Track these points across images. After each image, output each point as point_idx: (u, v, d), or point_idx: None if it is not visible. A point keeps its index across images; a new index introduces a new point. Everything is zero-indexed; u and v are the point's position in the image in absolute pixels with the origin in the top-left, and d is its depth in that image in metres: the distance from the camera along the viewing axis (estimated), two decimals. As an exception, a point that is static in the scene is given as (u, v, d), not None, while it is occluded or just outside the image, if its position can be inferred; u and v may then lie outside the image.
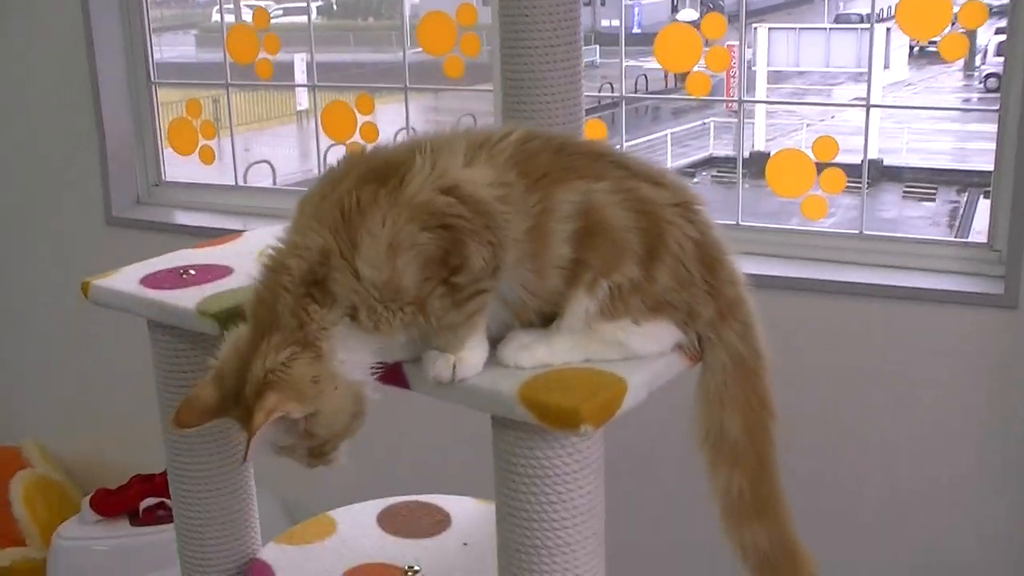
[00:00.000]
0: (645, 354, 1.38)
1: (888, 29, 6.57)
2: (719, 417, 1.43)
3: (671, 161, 15.18)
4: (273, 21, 3.44)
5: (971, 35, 9.25)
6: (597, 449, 1.38)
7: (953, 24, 2.54)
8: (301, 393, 1.28)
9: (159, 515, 3.22)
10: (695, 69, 2.81)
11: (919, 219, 13.69)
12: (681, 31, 2.78)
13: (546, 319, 1.39)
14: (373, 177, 1.32)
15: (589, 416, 1.26)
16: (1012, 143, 2.45)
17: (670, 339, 1.40)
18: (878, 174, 14.38)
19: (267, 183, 11.88)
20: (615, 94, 2.98)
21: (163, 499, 3.16)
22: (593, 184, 1.34)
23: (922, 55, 15.50)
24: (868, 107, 2.78)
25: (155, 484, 3.25)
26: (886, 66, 14.80)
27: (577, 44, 1.82)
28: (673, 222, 1.36)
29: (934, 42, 2.59)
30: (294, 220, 1.37)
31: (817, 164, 2.73)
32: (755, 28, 15.31)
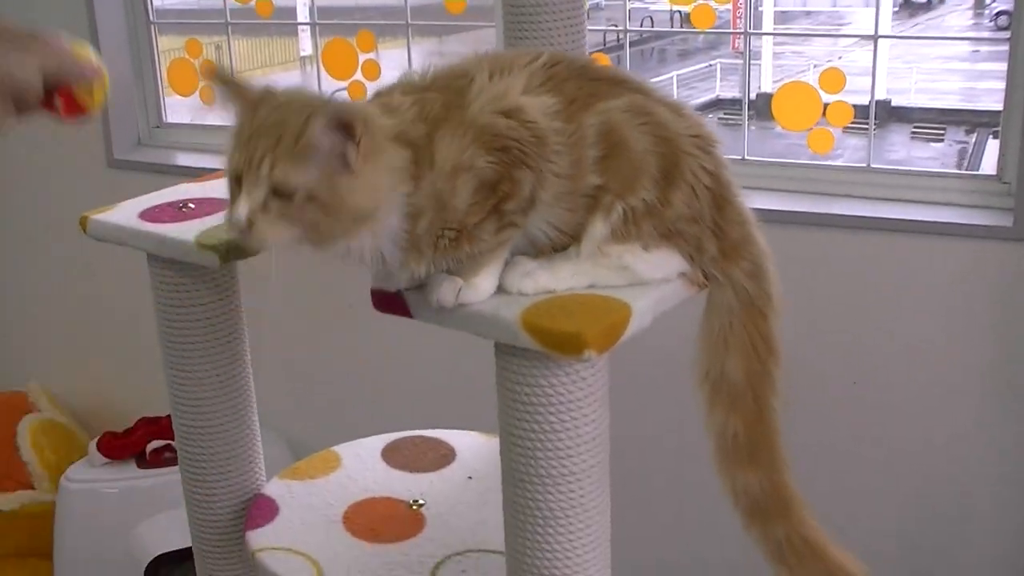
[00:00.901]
0: (650, 280, 1.36)
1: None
2: (721, 359, 1.42)
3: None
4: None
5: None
6: (602, 376, 1.36)
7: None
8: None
9: (166, 457, 3.22)
10: (700, 1, 2.77)
11: (927, 159, 13.60)
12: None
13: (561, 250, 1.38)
14: (444, 91, 1.30)
15: (593, 341, 1.25)
16: (1022, 77, 2.41)
17: (676, 268, 1.38)
18: (886, 114, 14.27)
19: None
20: (619, 31, 2.93)
21: (169, 441, 3.16)
22: (612, 102, 1.33)
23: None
24: (876, 38, 2.74)
25: (161, 426, 3.25)
26: (894, 6, 14.67)
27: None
28: (690, 152, 1.34)
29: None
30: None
31: (824, 98, 2.70)
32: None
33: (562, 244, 1.37)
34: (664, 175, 1.32)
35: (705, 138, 1.37)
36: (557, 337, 1.26)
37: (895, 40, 16.99)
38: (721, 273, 1.39)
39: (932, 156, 13.73)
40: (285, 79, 15.58)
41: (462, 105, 1.28)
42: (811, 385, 2.60)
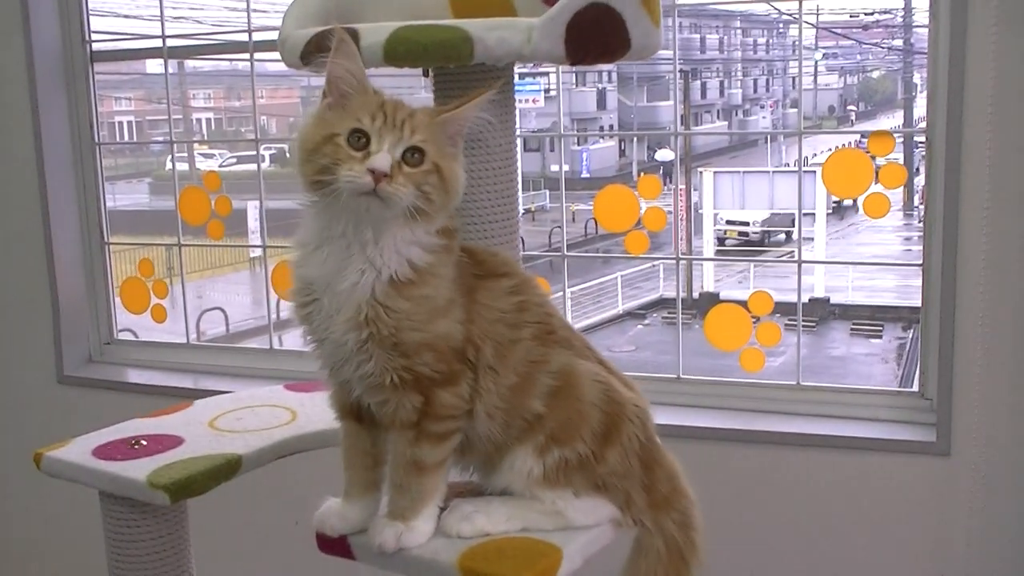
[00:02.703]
0: (581, 526, 1.45)
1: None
2: None
3: (622, 303, 15.40)
4: (225, 169, 3.51)
5: (909, 175, 9.60)
6: (537, 614, 1.42)
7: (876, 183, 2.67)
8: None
9: None
10: (633, 228, 2.92)
11: (867, 356, 13.90)
12: (619, 193, 2.89)
13: (484, 468, 1.47)
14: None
15: (527, 585, 1.31)
16: (936, 295, 2.55)
17: (606, 514, 1.47)
18: (825, 312, 14.66)
19: (220, 330, 11.93)
20: (556, 252, 3.06)
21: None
22: (581, 361, 1.47)
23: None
24: (800, 263, 2.89)
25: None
26: (829, 208, 15.22)
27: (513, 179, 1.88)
28: (631, 419, 1.47)
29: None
30: None
31: (754, 317, 2.83)
32: (700, 172, 15.73)
33: (487, 460, 1.45)
34: (604, 432, 1.44)
35: (644, 410, 1.50)
36: (493, 581, 1.32)
37: (831, 238, 17.58)
38: (652, 522, 1.49)
39: (872, 352, 14.02)
40: (234, 279, 15.76)
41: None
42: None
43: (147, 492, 1.68)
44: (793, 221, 17.82)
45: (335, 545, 1.45)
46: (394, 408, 1.39)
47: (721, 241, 18.81)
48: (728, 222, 17.94)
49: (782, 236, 17.99)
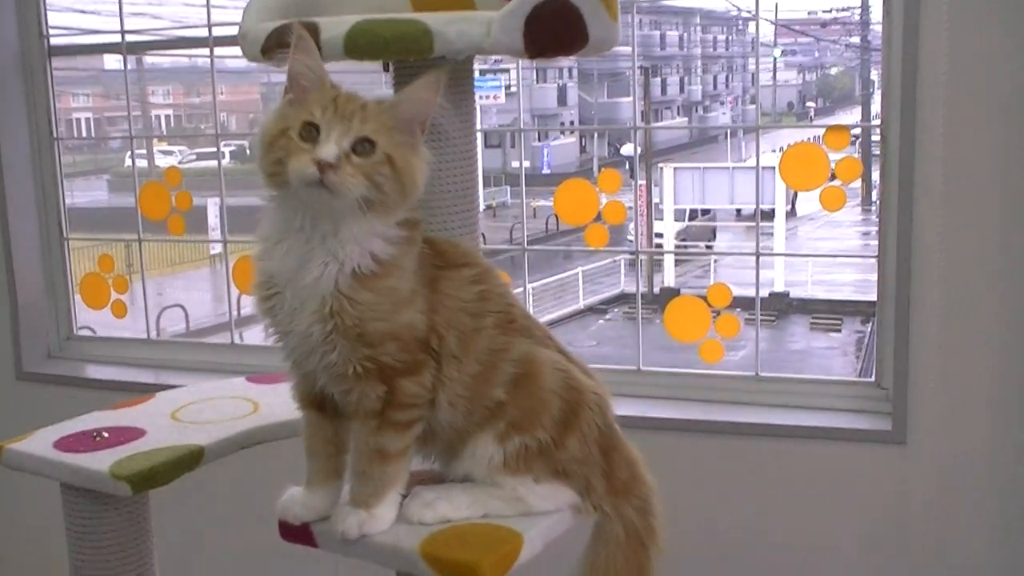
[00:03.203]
0: (541, 511, 1.47)
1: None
2: None
3: (583, 298, 15.44)
4: (185, 166, 3.50)
5: (867, 170, 9.67)
6: (499, 599, 1.44)
7: (832, 178, 2.71)
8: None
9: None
10: (593, 222, 2.94)
11: (827, 349, 14.03)
12: (579, 187, 2.92)
13: (446, 455, 1.50)
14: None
15: (488, 570, 1.34)
16: (892, 285, 2.59)
17: (566, 500, 1.49)
18: (785, 307, 14.78)
19: (180, 328, 11.87)
20: (516, 245, 3.08)
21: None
22: (542, 349, 1.49)
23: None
24: (758, 255, 2.93)
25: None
26: (788, 203, 15.34)
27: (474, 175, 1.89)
28: (590, 407, 1.49)
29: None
30: None
31: (713, 308, 2.86)
32: (661, 168, 15.81)
33: (450, 443, 1.47)
34: (564, 419, 1.46)
35: (603, 398, 1.52)
36: (455, 567, 1.34)
37: (790, 233, 17.70)
38: (611, 508, 1.51)
39: (832, 346, 14.15)
40: (195, 276, 15.67)
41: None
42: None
43: (109, 483, 1.68)
44: (714, 231, 18.05)
45: (297, 533, 1.46)
46: (358, 397, 1.40)
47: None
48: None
49: (700, 246, 18.05)
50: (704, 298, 2.89)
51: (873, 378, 2.73)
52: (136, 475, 1.67)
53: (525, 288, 3.20)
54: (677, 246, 16.28)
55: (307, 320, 1.38)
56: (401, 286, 1.39)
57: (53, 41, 3.52)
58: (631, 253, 3.07)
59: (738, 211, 18.19)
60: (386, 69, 1.81)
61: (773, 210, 14.41)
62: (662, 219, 15.09)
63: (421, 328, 1.40)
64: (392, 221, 1.40)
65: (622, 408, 1.59)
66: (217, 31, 3.23)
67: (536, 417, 1.44)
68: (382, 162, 1.36)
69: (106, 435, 1.84)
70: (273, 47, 1.64)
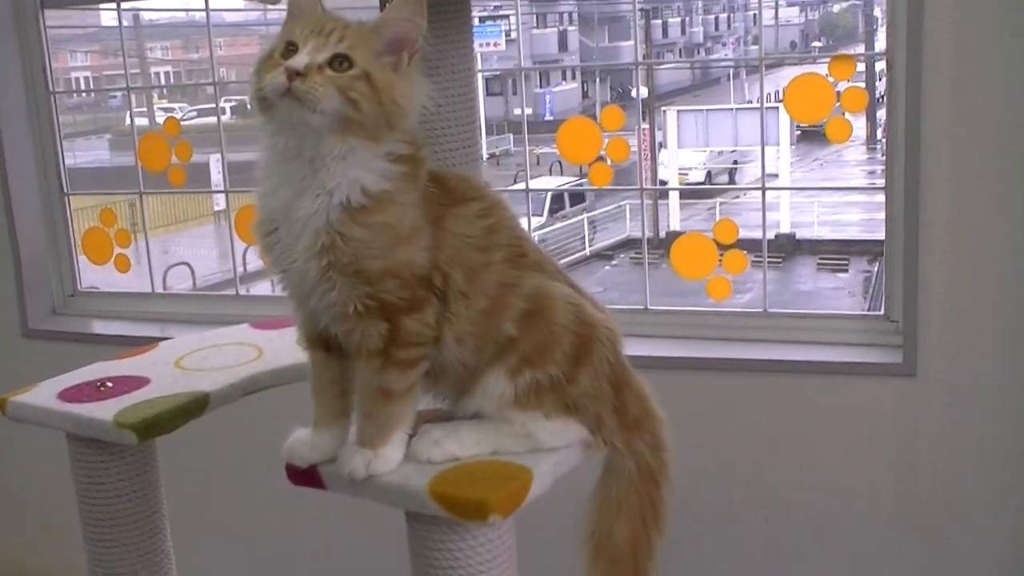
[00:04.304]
0: (551, 447, 1.45)
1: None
2: (610, 522, 1.51)
3: (589, 245, 15.41)
4: (186, 123, 3.47)
5: (871, 108, 9.63)
6: (509, 537, 1.43)
7: (838, 107, 2.67)
8: None
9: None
10: (596, 160, 2.91)
11: (834, 290, 14.00)
12: (581, 124, 2.88)
13: (456, 393, 1.48)
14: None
15: (497, 506, 1.32)
16: (899, 217, 2.56)
17: (577, 436, 1.48)
18: (792, 248, 14.73)
19: (187, 285, 11.87)
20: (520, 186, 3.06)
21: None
22: (552, 282, 1.47)
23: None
24: (764, 190, 2.90)
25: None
26: (792, 143, 15.25)
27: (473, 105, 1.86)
28: (602, 341, 1.47)
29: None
30: None
31: (720, 245, 2.83)
32: (664, 111, 15.71)
33: (460, 380, 1.46)
34: (575, 353, 1.44)
35: (614, 332, 1.50)
36: (463, 504, 1.33)
37: (797, 170, 17.62)
38: (623, 444, 1.50)
39: (839, 286, 14.12)
40: (199, 233, 15.66)
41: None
42: (723, 524, 2.68)
43: (114, 432, 1.67)
44: (736, 161, 17.93)
45: (305, 476, 1.45)
46: (360, 336, 1.38)
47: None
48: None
49: (724, 178, 17.95)
50: (711, 236, 2.86)
51: (882, 311, 2.71)
52: (141, 423, 1.66)
53: (528, 230, 3.16)
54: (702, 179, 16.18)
55: (302, 256, 1.36)
56: (399, 223, 1.37)
57: (46, -7, 3.48)
58: (636, 190, 3.03)
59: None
60: (382, 7, 1.78)
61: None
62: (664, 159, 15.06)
63: (423, 265, 1.38)
64: (380, 149, 1.37)
65: (630, 348, 1.57)
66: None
67: (548, 352, 1.42)
68: (358, 78, 1.33)
69: (110, 384, 1.82)
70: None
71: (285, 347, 1.92)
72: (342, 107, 1.32)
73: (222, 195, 3.47)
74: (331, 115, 1.32)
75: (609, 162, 2.93)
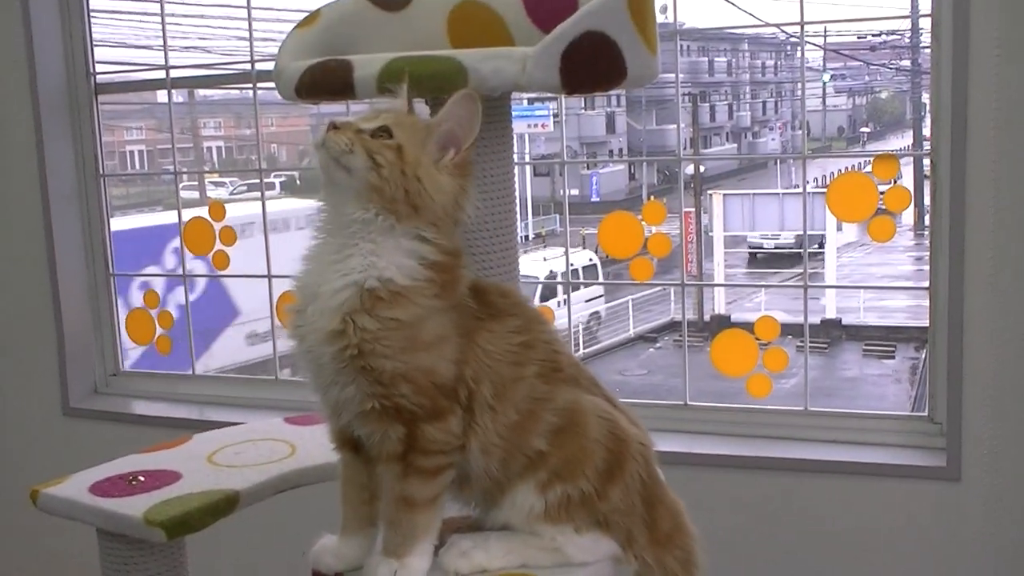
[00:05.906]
0: (581, 562, 1.43)
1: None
2: None
3: (633, 326, 15.38)
4: (237, 198, 3.50)
5: (920, 195, 9.55)
6: (537, 651, 1.40)
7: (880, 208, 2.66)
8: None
9: None
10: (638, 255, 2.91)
11: (880, 377, 13.85)
12: (623, 220, 2.88)
13: (484, 503, 1.45)
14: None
15: (524, 621, 1.29)
16: (943, 319, 2.53)
17: (607, 551, 1.45)
18: (838, 333, 14.63)
19: (227, 362, 11.91)
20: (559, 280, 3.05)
21: None
22: (587, 396, 1.45)
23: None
24: (806, 288, 2.88)
25: None
26: (839, 228, 15.19)
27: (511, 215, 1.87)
28: (635, 458, 1.45)
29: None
30: None
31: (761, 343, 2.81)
32: (710, 195, 15.73)
33: (486, 496, 1.43)
34: (607, 469, 1.41)
35: (648, 448, 1.48)
36: (490, 618, 1.30)
37: (844, 257, 17.54)
38: (653, 560, 1.47)
39: (885, 373, 13.98)
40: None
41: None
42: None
43: (143, 529, 1.66)
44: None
45: (331, 584, 1.43)
46: (380, 439, 1.37)
47: (754, 255, 18.82)
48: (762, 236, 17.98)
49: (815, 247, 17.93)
50: (751, 330, 2.84)
51: (926, 412, 2.67)
52: (170, 521, 1.64)
53: (568, 321, 3.16)
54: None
55: (319, 340, 1.35)
56: (415, 324, 1.34)
57: (100, 78, 3.54)
58: (677, 285, 3.01)
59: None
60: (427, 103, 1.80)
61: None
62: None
63: (447, 376, 1.36)
64: (404, 228, 1.36)
65: (668, 444, 1.56)
66: (262, 65, 3.24)
67: (579, 466, 1.40)
68: (390, 147, 1.35)
69: (142, 479, 1.82)
70: (307, 84, 1.63)
71: (317, 445, 1.90)
72: (365, 166, 1.34)
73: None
74: (355, 174, 1.34)
75: (651, 258, 2.92)
